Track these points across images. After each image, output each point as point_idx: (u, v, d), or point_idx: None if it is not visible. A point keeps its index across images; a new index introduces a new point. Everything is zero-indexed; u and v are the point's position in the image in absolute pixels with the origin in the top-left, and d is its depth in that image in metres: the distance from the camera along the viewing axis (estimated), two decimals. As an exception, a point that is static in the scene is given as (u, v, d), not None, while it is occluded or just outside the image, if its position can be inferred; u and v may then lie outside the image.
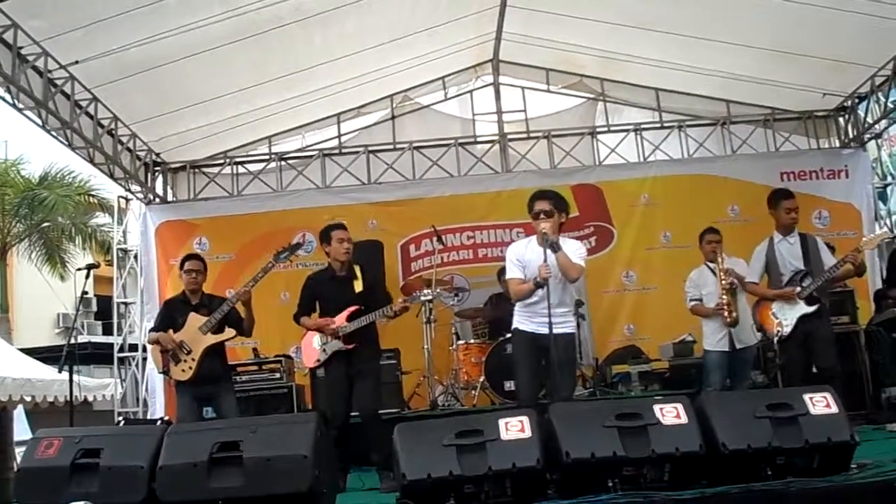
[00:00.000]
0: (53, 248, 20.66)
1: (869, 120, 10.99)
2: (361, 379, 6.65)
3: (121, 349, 11.24)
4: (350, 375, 6.67)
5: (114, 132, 9.79)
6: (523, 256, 6.00)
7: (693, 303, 7.72)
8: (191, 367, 6.90)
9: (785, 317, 6.95)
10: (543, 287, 5.67)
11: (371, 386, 6.72)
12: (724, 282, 7.24)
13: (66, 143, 9.06)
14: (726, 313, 7.23)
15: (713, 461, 4.50)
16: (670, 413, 4.57)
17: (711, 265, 7.53)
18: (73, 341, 8.05)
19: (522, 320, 6.04)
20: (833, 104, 11.35)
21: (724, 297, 7.25)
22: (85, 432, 4.98)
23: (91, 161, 9.76)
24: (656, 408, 4.61)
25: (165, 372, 7.12)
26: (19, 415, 12.32)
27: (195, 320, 6.99)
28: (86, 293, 7.77)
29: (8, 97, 7.96)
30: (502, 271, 7.23)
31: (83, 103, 8.95)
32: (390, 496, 5.95)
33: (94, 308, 22.74)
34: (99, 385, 12.02)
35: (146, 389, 10.86)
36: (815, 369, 6.98)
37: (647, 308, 10.95)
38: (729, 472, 4.50)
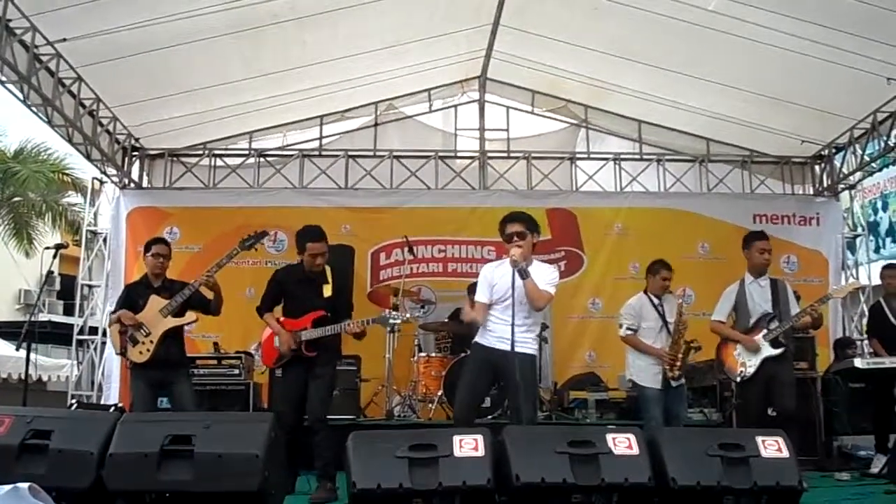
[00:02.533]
0: (22, 223, 20.45)
1: (844, 171, 11.16)
2: (315, 383, 6.53)
3: (80, 331, 11.02)
4: (306, 380, 6.55)
5: (95, 113, 9.73)
6: (493, 278, 5.99)
7: (629, 332, 7.45)
8: (148, 350, 6.79)
9: (749, 358, 6.99)
10: (527, 277, 5.69)
11: (323, 392, 6.59)
12: (682, 338, 7.20)
13: (46, 120, 8.99)
14: (674, 368, 7.16)
15: (661, 495, 4.53)
16: (622, 443, 4.59)
17: (656, 300, 7.45)
18: (34, 320, 7.93)
19: (483, 333, 6.04)
20: (811, 152, 11.49)
21: (680, 356, 7.18)
22: (37, 413, 4.93)
23: (69, 140, 9.70)
24: (609, 437, 4.63)
25: (123, 353, 6.99)
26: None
27: (156, 303, 6.88)
28: (51, 272, 7.67)
29: (-10, 69, 7.90)
30: (472, 287, 7.19)
31: (67, 82, 8.91)
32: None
33: (58, 287, 22.46)
34: (55, 365, 11.93)
35: (103, 374, 10.67)
36: (772, 412, 7.04)
37: (609, 337, 10.74)
38: (676, 507, 4.53)
